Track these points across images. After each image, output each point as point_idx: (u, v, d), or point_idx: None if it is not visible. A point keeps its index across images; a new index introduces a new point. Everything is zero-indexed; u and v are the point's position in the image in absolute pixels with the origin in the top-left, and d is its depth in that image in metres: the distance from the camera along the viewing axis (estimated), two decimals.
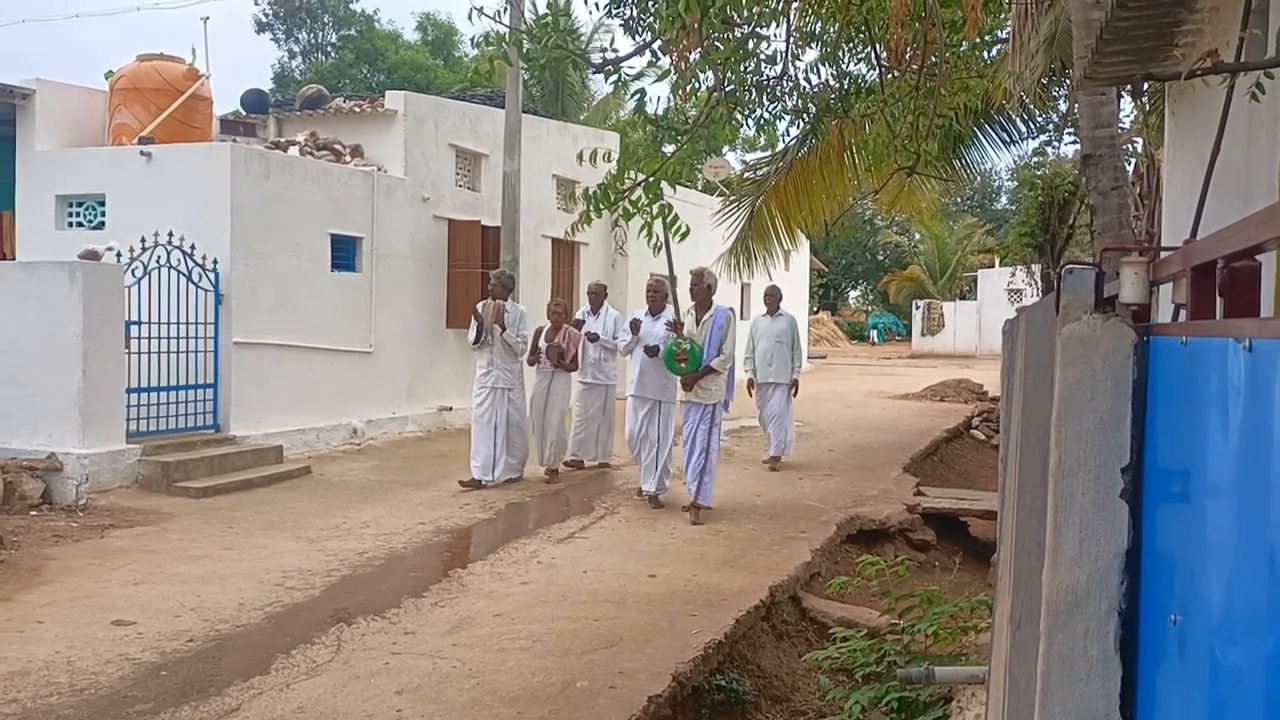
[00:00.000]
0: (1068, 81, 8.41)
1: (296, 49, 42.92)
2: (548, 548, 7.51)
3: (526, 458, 10.06)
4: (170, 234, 9.98)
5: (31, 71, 17.57)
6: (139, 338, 9.69)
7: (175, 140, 11.44)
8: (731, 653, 5.72)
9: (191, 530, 7.89)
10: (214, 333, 10.48)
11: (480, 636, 5.47)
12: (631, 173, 6.70)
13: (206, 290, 10.38)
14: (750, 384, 11.58)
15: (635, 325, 8.98)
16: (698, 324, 8.51)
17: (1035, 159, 22.01)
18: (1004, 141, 12.33)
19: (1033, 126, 12.23)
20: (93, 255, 9.49)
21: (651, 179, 6.22)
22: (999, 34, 8.13)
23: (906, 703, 4.88)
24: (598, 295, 10.71)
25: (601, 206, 6.14)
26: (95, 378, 8.88)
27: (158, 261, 9.87)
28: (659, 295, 9.05)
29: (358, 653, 5.22)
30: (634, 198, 6.26)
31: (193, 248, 10.18)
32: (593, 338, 10.27)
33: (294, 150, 12.52)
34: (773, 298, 11.70)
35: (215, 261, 10.41)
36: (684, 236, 6.21)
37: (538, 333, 10.11)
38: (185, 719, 4.38)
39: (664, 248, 7.83)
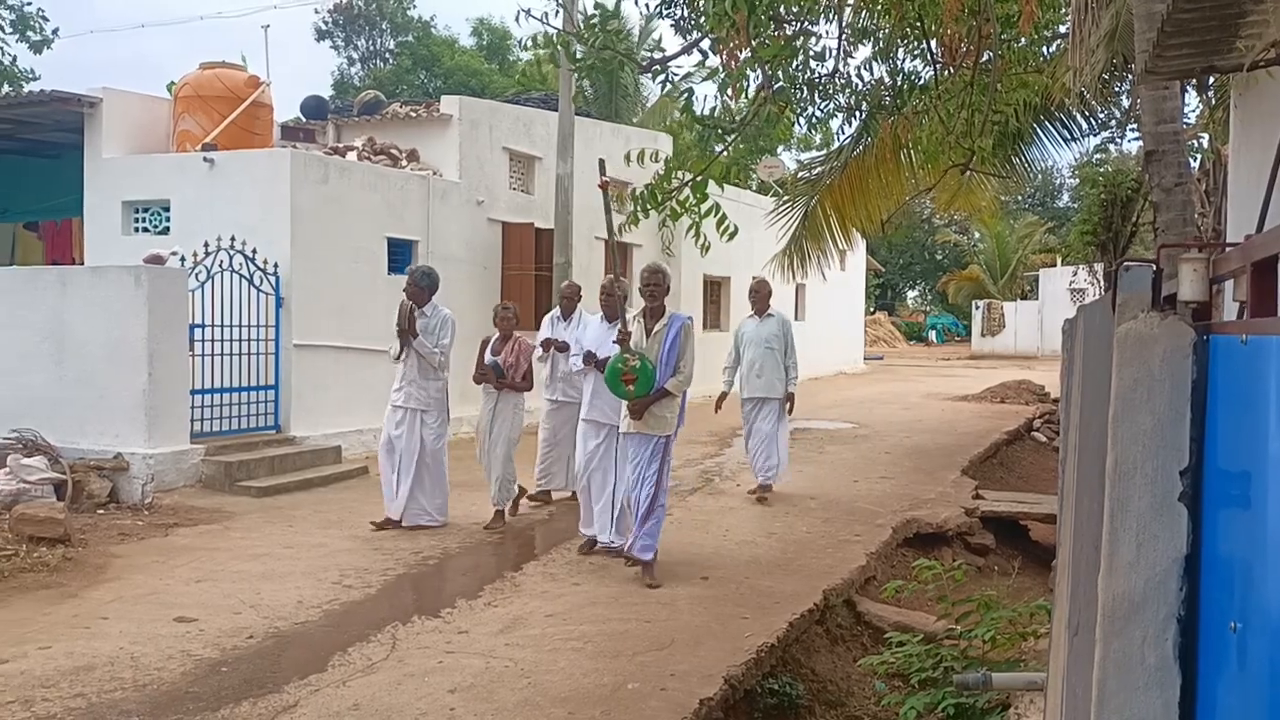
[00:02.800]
0: (1130, 76, 8.24)
1: (355, 56, 43.58)
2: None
3: (445, 502, 8.27)
4: (232, 238, 10.18)
5: (98, 81, 18.14)
6: (202, 340, 9.91)
7: (237, 146, 11.67)
8: (784, 656, 5.69)
9: (252, 529, 8.03)
10: (275, 335, 10.67)
11: (533, 636, 5.50)
12: (679, 172, 6.67)
13: (267, 293, 10.57)
14: (722, 398, 9.70)
15: (590, 357, 7.26)
16: (648, 335, 6.76)
17: (1097, 156, 21.57)
18: (1065, 139, 12.11)
19: (1094, 123, 11.99)
20: (157, 260, 9.72)
21: (699, 178, 6.20)
22: (1058, 29, 7.99)
23: (963, 709, 4.81)
24: (570, 299, 9.03)
25: (649, 207, 6.13)
26: (160, 379, 9.09)
27: (220, 266, 10.07)
28: (614, 299, 7.30)
29: (412, 651, 5.27)
30: (681, 197, 6.24)
31: (254, 252, 10.38)
32: (563, 347, 8.53)
33: (352, 155, 12.70)
34: (760, 295, 9.52)
35: (276, 265, 10.60)
36: (732, 236, 6.17)
37: (484, 344, 8.54)
38: (244, 715, 4.45)
39: (610, 239, 6.74)
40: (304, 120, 15.16)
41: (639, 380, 6.50)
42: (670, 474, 7.04)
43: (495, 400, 8.34)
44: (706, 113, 6.27)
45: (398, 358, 8.08)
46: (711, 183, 6.43)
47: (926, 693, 5.04)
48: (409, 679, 4.87)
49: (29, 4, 25.29)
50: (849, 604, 6.74)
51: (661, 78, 6.15)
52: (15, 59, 25.46)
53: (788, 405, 9.53)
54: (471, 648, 5.33)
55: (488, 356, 8.37)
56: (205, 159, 11.21)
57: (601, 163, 6.70)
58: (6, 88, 22.77)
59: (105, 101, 11.97)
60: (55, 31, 25.54)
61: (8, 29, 25.08)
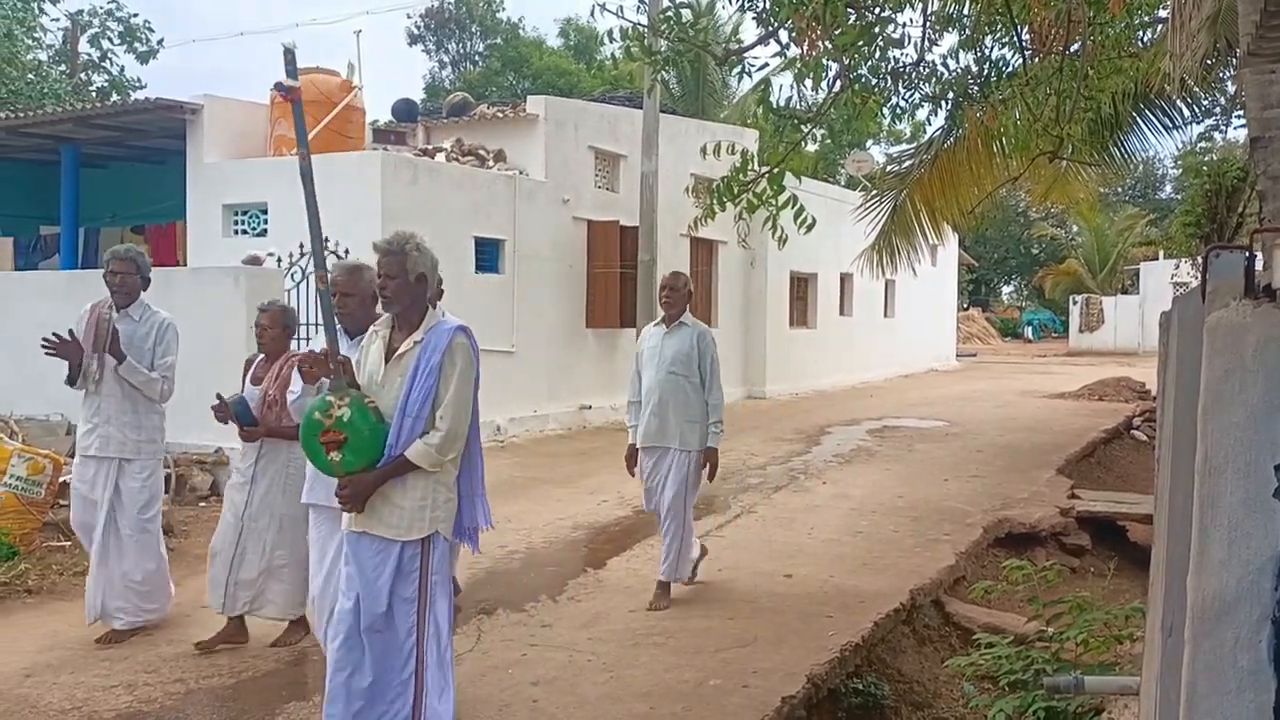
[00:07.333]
0: (1234, 61, 7.92)
1: (446, 59, 44.32)
2: None
3: (168, 595, 5.73)
4: (326, 239, 10.42)
5: (200, 88, 18.78)
6: (297, 339, 10.14)
7: (331, 150, 11.95)
8: (870, 656, 5.61)
9: None
10: None
11: (615, 631, 5.52)
12: (755, 165, 6.60)
13: None
14: (631, 455, 6.26)
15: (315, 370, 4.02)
16: (388, 359, 3.92)
17: (1201, 144, 20.80)
18: (1166, 127, 11.70)
19: (1197, 110, 11.57)
20: (255, 261, 10.02)
21: (775, 170, 6.14)
22: (1157, 13, 7.72)
23: (1054, 713, 4.68)
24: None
25: (725, 198, 6.09)
26: None
27: None
28: (353, 298, 4.76)
29: (497, 644, 5.34)
30: (758, 189, 6.17)
31: (346, 252, 10.60)
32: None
33: (440, 156, 12.94)
34: (676, 293, 6.14)
35: None
36: (810, 228, 6.07)
37: (247, 366, 5.82)
38: None
39: (307, 188, 4.19)
40: (395, 123, 15.48)
41: (350, 443, 3.69)
42: (451, 614, 3.91)
43: (255, 456, 5.37)
44: (782, 104, 6.19)
45: (73, 382, 5.44)
46: (790, 175, 6.34)
47: (1016, 695, 4.92)
48: (493, 670, 4.94)
49: (136, 16, 26.36)
50: (937, 604, 6.62)
51: (738, 69, 6.10)
52: (123, 69, 26.57)
53: (705, 465, 6.10)
54: (554, 641, 5.38)
55: (245, 388, 5.58)
56: None
57: (289, 53, 4.02)
58: (115, 96, 23.75)
59: (206, 108, 12.39)
60: (160, 42, 26.58)
61: (116, 40, 26.17)
